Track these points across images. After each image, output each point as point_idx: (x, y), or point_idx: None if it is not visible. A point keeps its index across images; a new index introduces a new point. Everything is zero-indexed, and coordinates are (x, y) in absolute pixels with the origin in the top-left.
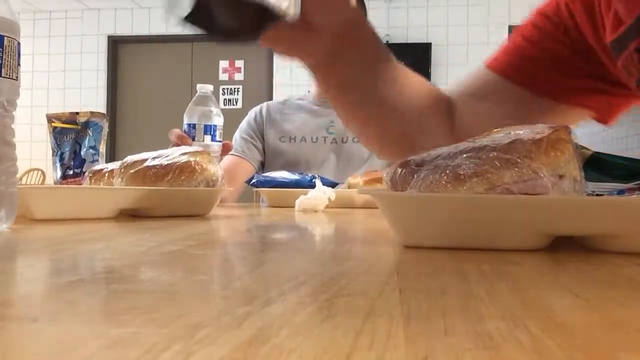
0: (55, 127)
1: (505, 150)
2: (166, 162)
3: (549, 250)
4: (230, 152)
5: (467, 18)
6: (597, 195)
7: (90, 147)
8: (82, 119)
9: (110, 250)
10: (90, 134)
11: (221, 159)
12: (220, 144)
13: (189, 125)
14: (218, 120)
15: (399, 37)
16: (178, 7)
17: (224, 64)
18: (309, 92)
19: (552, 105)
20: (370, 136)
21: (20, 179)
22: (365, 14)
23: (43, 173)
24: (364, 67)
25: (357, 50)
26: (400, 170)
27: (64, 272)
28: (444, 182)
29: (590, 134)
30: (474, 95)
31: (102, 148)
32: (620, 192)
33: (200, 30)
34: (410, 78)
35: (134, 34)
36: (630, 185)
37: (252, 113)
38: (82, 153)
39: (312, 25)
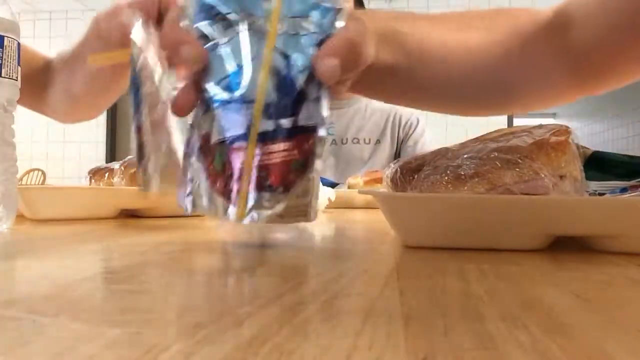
0: None
1: (506, 151)
2: None
3: (549, 250)
4: None
5: None
6: (599, 194)
7: None
8: None
9: (110, 250)
10: None
11: None
12: None
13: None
14: None
15: None
16: (187, 207)
17: None
18: None
19: None
20: (446, 110)
21: (20, 179)
22: None
23: (43, 173)
24: (399, 76)
25: (386, 70)
26: (400, 170)
27: (64, 272)
28: (444, 183)
29: (590, 134)
30: None
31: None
32: (623, 190)
33: None
34: (473, 33)
35: None
36: (633, 182)
37: None
38: None
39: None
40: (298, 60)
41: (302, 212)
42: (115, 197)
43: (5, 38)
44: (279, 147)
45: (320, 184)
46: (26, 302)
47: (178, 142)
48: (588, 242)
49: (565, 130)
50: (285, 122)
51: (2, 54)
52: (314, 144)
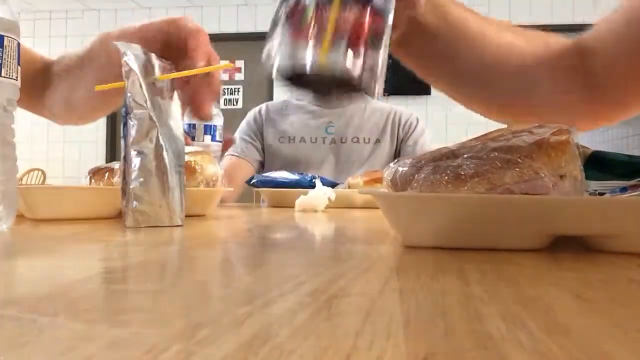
0: None
1: (506, 151)
2: None
3: (549, 250)
4: (230, 153)
5: None
6: (599, 194)
7: None
8: None
9: (110, 250)
10: None
11: (222, 157)
12: (220, 144)
13: (189, 125)
14: (218, 121)
15: None
16: (274, 63)
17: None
18: None
19: None
20: (472, 103)
21: (20, 179)
22: None
23: (43, 173)
24: (439, 46)
25: (428, 34)
26: (400, 170)
27: (64, 271)
28: (444, 182)
29: (591, 134)
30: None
31: None
32: (623, 189)
33: (289, 84)
34: (508, 38)
35: None
36: (633, 182)
37: (251, 114)
38: None
39: None
40: None
41: (369, 83)
42: (115, 197)
43: (5, 38)
44: (358, 17)
45: (321, 183)
46: (26, 302)
47: (170, 174)
48: (588, 242)
49: (566, 130)
50: None
51: (2, 54)
52: (384, 29)
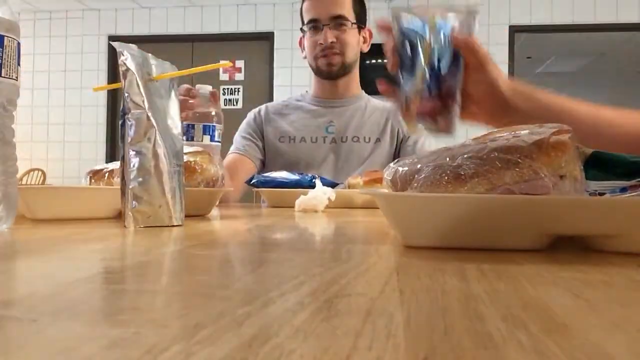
0: None
1: (506, 151)
2: None
3: (549, 250)
4: (232, 151)
5: None
6: (599, 194)
7: None
8: None
9: (110, 250)
10: None
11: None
12: (219, 144)
13: (188, 125)
14: (217, 121)
15: None
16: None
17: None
18: (307, 92)
19: None
20: None
21: (21, 179)
22: (365, 14)
23: (43, 173)
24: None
25: (514, 110)
26: (400, 170)
27: (63, 272)
28: (444, 183)
29: None
30: None
31: None
32: (623, 189)
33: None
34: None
35: (134, 34)
36: (633, 182)
37: (251, 114)
38: None
39: (474, 106)
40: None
41: (439, 130)
42: (115, 197)
43: (5, 38)
44: (431, 99)
45: (321, 183)
46: (26, 302)
47: (169, 173)
48: (588, 242)
49: (566, 130)
50: (436, 87)
51: (2, 54)
52: (453, 107)
